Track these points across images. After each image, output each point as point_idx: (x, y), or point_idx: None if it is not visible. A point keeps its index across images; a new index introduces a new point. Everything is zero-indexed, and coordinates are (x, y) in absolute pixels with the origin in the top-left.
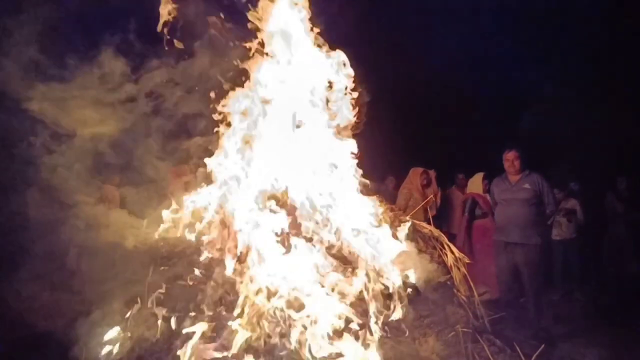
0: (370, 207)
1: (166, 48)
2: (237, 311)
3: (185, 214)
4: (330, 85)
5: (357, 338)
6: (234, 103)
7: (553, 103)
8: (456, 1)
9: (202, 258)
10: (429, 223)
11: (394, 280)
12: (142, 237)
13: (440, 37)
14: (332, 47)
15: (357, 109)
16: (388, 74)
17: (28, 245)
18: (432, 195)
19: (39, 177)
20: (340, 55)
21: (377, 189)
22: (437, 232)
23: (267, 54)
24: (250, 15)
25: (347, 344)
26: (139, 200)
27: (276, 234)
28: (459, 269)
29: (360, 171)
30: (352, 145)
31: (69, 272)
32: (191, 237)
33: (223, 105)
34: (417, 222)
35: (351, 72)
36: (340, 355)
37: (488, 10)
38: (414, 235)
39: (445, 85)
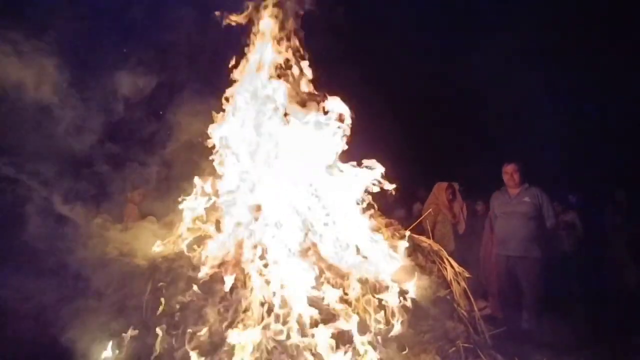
0: (369, 221)
1: None
2: (235, 327)
3: (185, 229)
4: None
5: (356, 354)
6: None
7: (552, 114)
8: (471, 17)
9: (200, 274)
10: (455, 238)
11: (393, 295)
12: (142, 252)
13: (434, 41)
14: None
15: None
16: (386, 88)
17: (23, 259)
18: (430, 209)
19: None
20: None
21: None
22: (436, 246)
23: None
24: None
25: None
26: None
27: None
28: (458, 283)
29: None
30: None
31: (67, 287)
32: (190, 253)
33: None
34: (417, 236)
35: None
36: None
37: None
38: (414, 249)
39: (443, 97)
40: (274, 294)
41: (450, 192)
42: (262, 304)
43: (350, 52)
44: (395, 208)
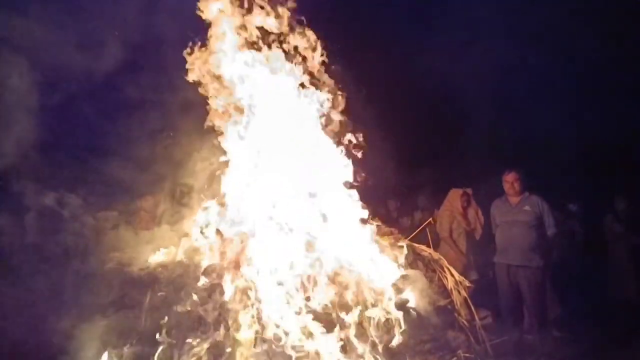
0: (369, 231)
1: None
2: (233, 338)
3: (184, 239)
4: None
5: None
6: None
7: (552, 124)
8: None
9: (200, 283)
10: (470, 245)
11: (393, 305)
12: (142, 262)
13: (435, 45)
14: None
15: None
16: (384, 96)
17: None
18: (431, 218)
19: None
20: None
21: (377, 212)
22: (436, 255)
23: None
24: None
25: None
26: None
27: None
28: (459, 292)
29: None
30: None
31: (65, 296)
32: (189, 262)
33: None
34: (417, 245)
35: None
36: None
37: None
38: (414, 258)
39: (440, 105)
40: (273, 305)
41: (465, 199)
42: (261, 314)
43: (342, 58)
44: (398, 217)
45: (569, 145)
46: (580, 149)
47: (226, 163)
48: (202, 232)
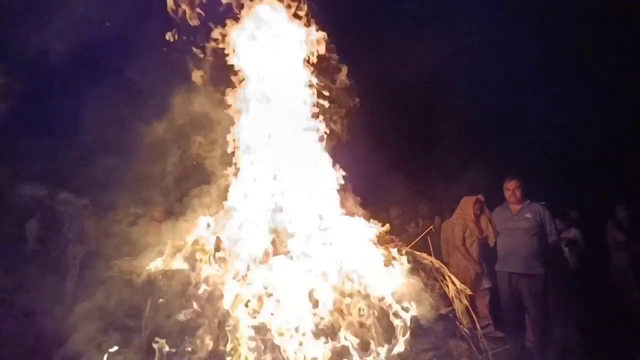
0: (370, 238)
1: None
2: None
3: (186, 246)
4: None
5: None
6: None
7: (552, 130)
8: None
9: (200, 291)
10: (482, 253)
11: (395, 313)
12: (143, 269)
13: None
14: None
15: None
16: (384, 101)
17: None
18: (432, 226)
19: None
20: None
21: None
22: (438, 263)
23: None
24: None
25: None
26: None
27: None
28: (460, 300)
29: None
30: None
31: (65, 305)
32: (189, 269)
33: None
34: (418, 253)
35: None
36: None
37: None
38: (415, 266)
39: (445, 114)
40: (274, 311)
41: (478, 206)
42: (261, 322)
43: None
44: (404, 224)
45: (569, 152)
46: (581, 154)
47: (229, 172)
48: (203, 240)
